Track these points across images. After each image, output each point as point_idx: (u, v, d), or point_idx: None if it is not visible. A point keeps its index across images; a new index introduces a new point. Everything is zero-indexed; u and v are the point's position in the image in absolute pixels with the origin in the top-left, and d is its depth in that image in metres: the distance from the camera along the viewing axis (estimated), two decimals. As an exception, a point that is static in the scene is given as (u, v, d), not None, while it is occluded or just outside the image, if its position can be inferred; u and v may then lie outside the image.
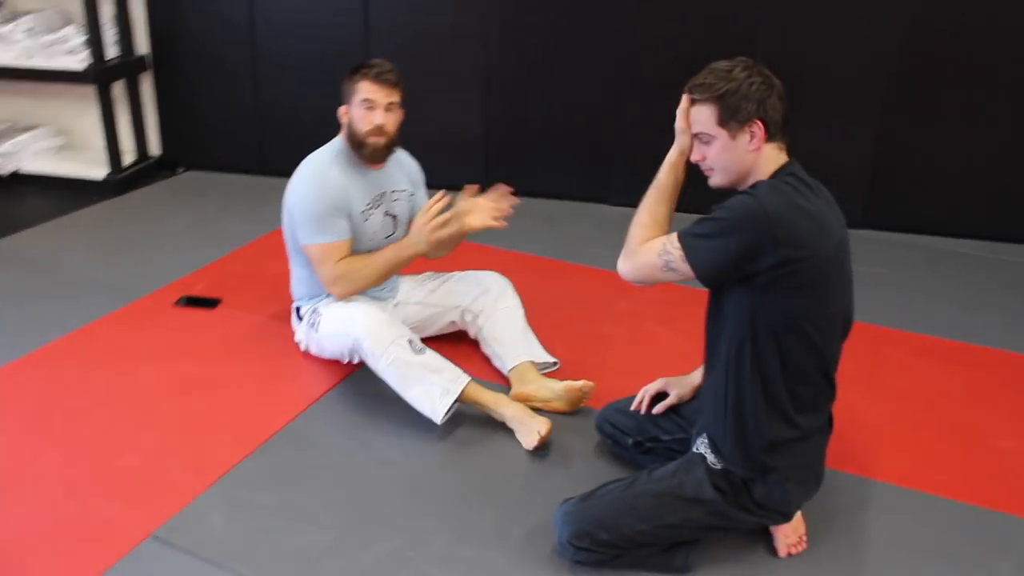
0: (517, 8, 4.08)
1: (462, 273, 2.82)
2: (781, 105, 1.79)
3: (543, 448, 2.31)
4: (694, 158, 1.88)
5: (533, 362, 2.60)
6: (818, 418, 1.91)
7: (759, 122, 1.75)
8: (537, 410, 2.42)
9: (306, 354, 2.73)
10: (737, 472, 1.87)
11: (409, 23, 4.18)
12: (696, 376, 2.21)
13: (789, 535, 1.98)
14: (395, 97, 2.47)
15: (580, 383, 2.45)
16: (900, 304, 3.27)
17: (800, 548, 1.99)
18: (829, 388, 1.91)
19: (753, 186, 1.78)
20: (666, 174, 1.95)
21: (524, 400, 2.46)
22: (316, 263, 2.51)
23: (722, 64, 1.79)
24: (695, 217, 1.78)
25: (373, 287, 2.58)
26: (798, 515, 1.99)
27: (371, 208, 2.56)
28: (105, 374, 2.63)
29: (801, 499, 1.94)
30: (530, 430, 2.30)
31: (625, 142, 4.19)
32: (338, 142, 2.56)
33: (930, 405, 2.62)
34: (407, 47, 4.20)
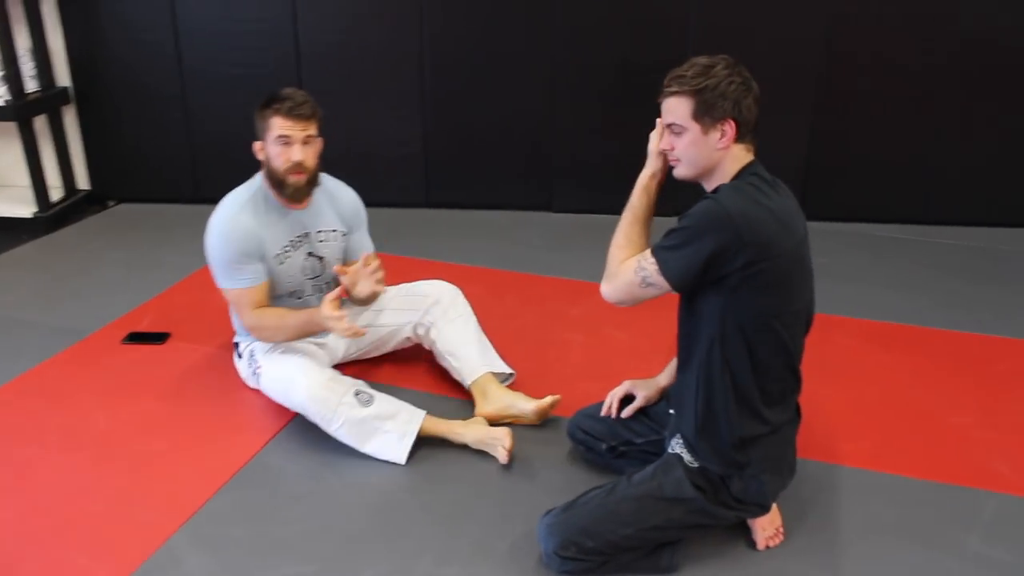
0: (448, 21, 4.09)
1: (409, 285, 2.76)
2: (756, 108, 1.82)
3: (516, 459, 2.31)
4: (663, 146, 1.90)
5: (493, 373, 2.59)
6: (787, 411, 1.96)
7: (732, 121, 1.78)
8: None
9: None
10: (714, 469, 1.90)
11: (339, 42, 4.15)
12: (661, 378, 2.24)
13: (767, 528, 2.01)
14: (312, 129, 2.38)
15: (548, 400, 2.45)
16: (844, 292, 3.37)
17: (778, 540, 2.03)
18: (796, 382, 1.96)
19: (716, 190, 1.82)
20: (638, 196, 1.98)
21: (494, 419, 2.44)
22: (232, 306, 2.48)
23: (704, 59, 1.81)
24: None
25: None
26: (774, 508, 2.02)
27: (288, 250, 2.47)
28: (57, 419, 2.53)
29: (777, 489, 1.98)
30: (496, 448, 2.30)
31: (564, 149, 4.23)
32: (257, 180, 2.47)
33: (884, 388, 2.70)
34: (340, 66, 4.18)
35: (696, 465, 1.92)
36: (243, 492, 2.22)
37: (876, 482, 2.26)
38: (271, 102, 2.36)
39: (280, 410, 2.54)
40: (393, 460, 2.31)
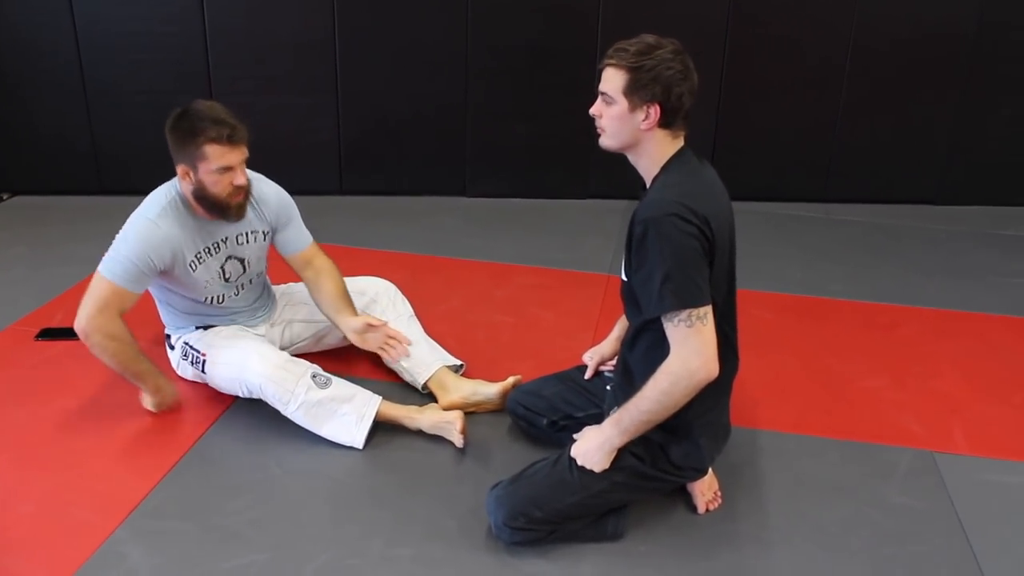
0: (359, 7, 4.04)
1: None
2: (690, 98, 1.85)
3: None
4: (592, 111, 1.91)
5: (447, 366, 2.56)
6: (723, 384, 1.98)
7: (658, 106, 1.81)
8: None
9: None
10: (653, 438, 1.96)
11: (248, 26, 4.05)
12: (607, 344, 2.31)
13: (705, 492, 2.10)
14: (246, 151, 2.25)
15: (510, 380, 2.45)
16: (756, 267, 3.50)
17: (717, 503, 2.12)
18: (735, 358, 2.02)
19: (649, 204, 1.81)
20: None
21: (459, 408, 2.40)
22: (95, 295, 2.22)
23: (651, 38, 1.83)
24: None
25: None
26: (711, 473, 2.12)
27: (203, 256, 2.34)
28: (-28, 421, 2.42)
29: (713, 453, 2.05)
30: (451, 431, 2.31)
31: (477, 134, 4.26)
32: (174, 188, 2.31)
33: (801, 357, 2.85)
34: (251, 54, 4.08)
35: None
36: (183, 485, 2.17)
37: (800, 444, 2.39)
38: (198, 129, 2.16)
39: (212, 401, 2.50)
40: (350, 444, 2.29)
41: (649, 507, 2.09)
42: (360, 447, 2.29)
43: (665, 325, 1.78)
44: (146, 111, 4.08)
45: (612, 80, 1.83)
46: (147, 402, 2.42)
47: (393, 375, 2.62)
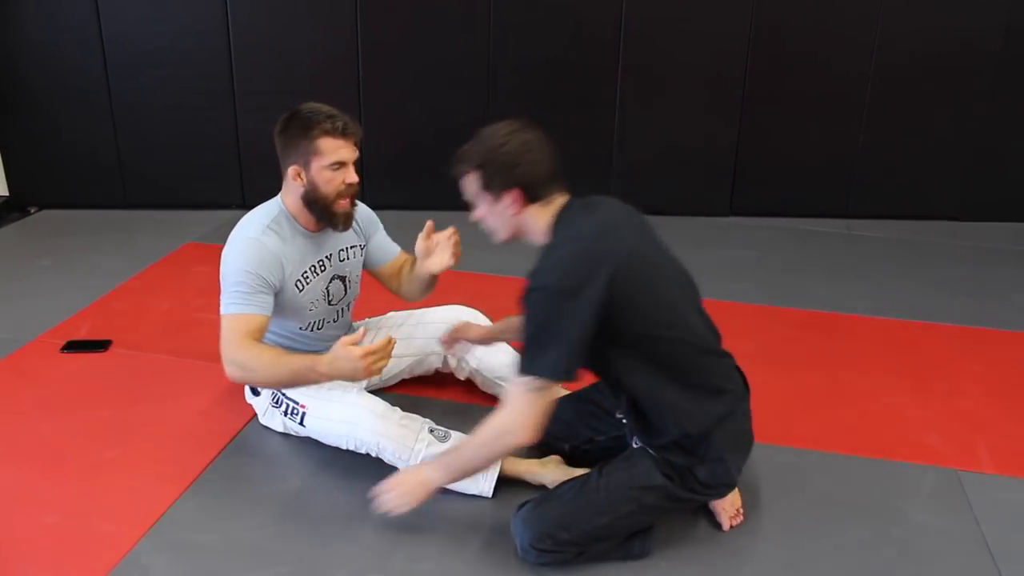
0: (380, 22, 4.08)
1: (420, 313, 2.62)
2: (546, 162, 1.87)
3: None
4: (473, 219, 1.95)
5: None
6: (732, 393, 1.98)
7: (515, 190, 1.84)
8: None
9: (217, 387, 2.63)
10: (678, 462, 1.94)
11: (273, 43, 4.10)
12: (479, 329, 2.41)
13: (728, 508, 2.09)
14: (357, 150, 2.21)
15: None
16: (777, 283, 3.52)
17: (739, 519, 2.11)
18: (725, 360, 2.00)
19: (531, 273, 1.80)
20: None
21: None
22: (223, 335, 2.11)
23: (487, 130, 1.90)
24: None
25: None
26: (735, 490, 2.11)
27: (309, 276, 2.28)
28: (0, 431, 2.44)
29: (740, 464, 2.03)
30: None
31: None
32: (276, 205, 2.26)
33: (823, 373, 2.83)
34: (274, 67, 4.13)
35: (661, 456, 1.97)
36: (205, 497, 2.18)
37: (823, 461, 2.37)
38: (312, 123, 2.13)
39: (233, 416, 2.51)
40: (479, 494, 2.18)
41: (672, 524, 2.07)
42: (489, 496, 2.19)
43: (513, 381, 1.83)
44: (171, 126, 4.15)
45: (468, 187, 1.91)
46: (348, 382, 2.17)
47: (467, 396, 2.60)
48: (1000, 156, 4.22)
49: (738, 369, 2.05)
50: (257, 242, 2.17)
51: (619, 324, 1.78)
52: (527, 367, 1.77)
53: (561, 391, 2.20)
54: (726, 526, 2.08)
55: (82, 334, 2.99)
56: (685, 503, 1.99)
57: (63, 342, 2.92)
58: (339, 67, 4.14)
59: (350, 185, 2.20)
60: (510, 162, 1.83)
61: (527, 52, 4.11)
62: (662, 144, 4.22)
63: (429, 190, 4.37)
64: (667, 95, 4.16)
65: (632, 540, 1.98)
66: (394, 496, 1.94)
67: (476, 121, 4.16)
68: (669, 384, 1.87)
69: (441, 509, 2.14)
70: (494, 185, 1.84)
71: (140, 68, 4.10)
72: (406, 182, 4.38)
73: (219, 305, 2.15)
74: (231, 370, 2.10)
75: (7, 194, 4.35)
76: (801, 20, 4.02)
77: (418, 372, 2.65)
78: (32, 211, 4.33)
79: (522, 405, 1.79)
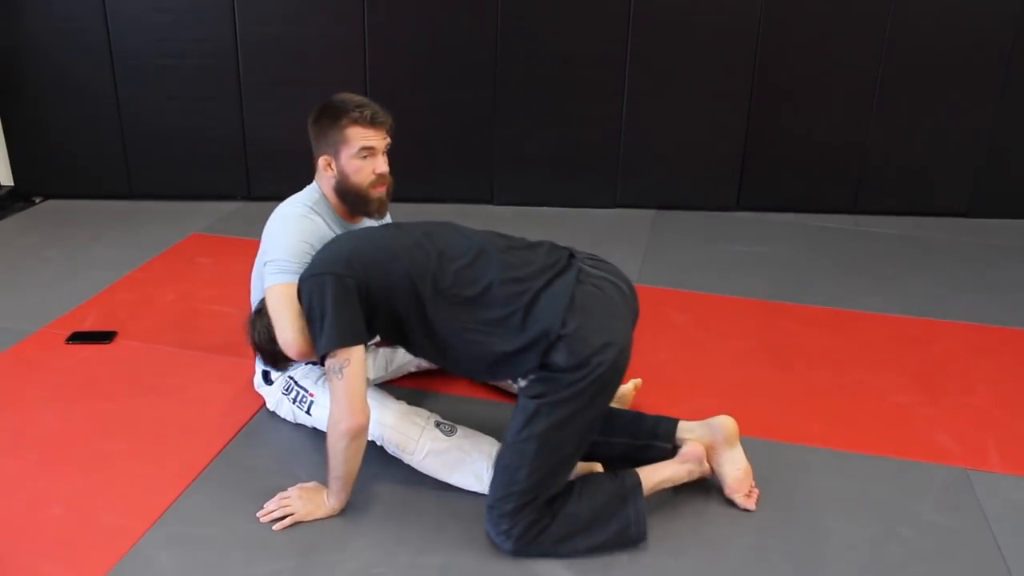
0: (387, 13, 4.06)
1: None
2: None
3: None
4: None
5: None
6: (556, 303, 1.89)
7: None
8: None
9: (223, 379, 2.63)
10: (538, 374, 1.90)
11: (279, 33, 4.08)
12: None
13: (739, 488, 2.12)
14: (389, 137, 2.20)
15: (630, 384, 2.47)
16: (785, 278, 3.50)
17: (755, 495, 2.14)
18: (515, 273, 1.96)
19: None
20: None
21: None
22: (277, 309, 2.05)
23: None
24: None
25: None
26: (745, 466, 2.13)
27: None
28: (4, 423, 2.43)
29: (605, 320, 1.91)
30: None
31: (505, 141, 4.25)
32: (315, 191, 2.26)
33: (831, 370, 2.81)
34: (280, 59, 4.10)
35: (529, 378, 1.93)
36: (211, 490, 2.17)
37: (831, 459, 2.35)
38: (341, 112, 2.14)
39: (239, 408, 2.50)
40: (483, 491, 2.12)
41: (679, 524, 2.07)
42: None
43: None
44: (176, 117, 4.13)
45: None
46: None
47: (481, 392, 2.60)
48: (1011, 152, 4.19)
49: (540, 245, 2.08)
50: (306, 218, 2.18)
51: (377, 304, 1.95)
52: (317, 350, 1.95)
53: (367, 365, 2.08)
54: (748, 505, 2.11)
55: (87, 325, 2.98)
56: (580, 402, 1.87)
57: (68, 333, 2.91)
58: (346, 58, 4.12)
59: (381, 175, 2.18)
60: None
61: (535, 44, 4.09)
62: (670, 137, 4.19)
63: (433, 182, 4.38)
64: (675, 88, 4.13)
65: (625, 525, 1.96)
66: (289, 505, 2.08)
67: (484, 113, 4.22)
68: (457, 331, 1.95)
69: (448, 504, 2.13)
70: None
71: (146, 58, 4.08)
72: (411, 174, 4.34)
73: (264, 278, 2.13)
74: (290, 351, 2.05)
75: (12, 184, 4.33)
76: (811, 14, 3.99)
77: (425, 365, 2.64)
78: (37, 201, 4.31)
79: (333, 393, 1.95)
